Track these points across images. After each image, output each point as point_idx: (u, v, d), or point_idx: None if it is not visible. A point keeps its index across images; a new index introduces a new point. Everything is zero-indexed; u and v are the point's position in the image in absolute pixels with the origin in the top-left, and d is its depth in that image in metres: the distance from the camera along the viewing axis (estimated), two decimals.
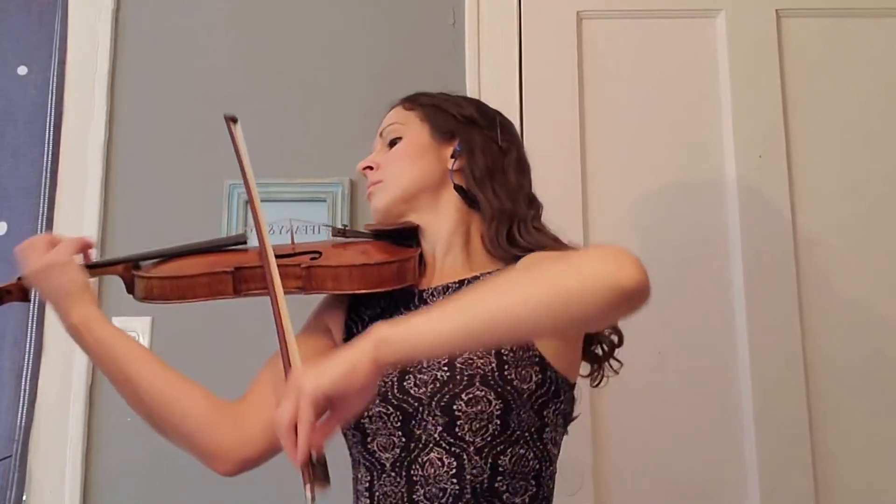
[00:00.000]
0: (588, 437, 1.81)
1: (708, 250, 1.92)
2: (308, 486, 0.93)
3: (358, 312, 1.30)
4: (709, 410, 1.86)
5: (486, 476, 1.10)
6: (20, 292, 1.25)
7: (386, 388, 1.15)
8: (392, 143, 1.33)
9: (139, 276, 1.24)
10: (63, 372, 1.87)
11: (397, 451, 1.14)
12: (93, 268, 1.27)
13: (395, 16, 2.02)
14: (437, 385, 1.12)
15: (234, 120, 1.36)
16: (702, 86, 1.99)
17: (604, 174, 1.95)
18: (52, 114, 1.97)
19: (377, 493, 1.15)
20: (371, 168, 1.33)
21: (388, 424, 1.14)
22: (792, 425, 1.83)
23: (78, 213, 1.93)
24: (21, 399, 1.85)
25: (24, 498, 1.82)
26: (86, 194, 1.93)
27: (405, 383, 1.15)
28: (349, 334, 1.29)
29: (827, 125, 1.97)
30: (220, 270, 1.21)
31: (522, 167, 1.34)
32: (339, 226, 1.47)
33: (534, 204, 1.31)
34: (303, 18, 2.03)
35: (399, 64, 1.99)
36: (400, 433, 1.14)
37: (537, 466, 1.14)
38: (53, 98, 1.98)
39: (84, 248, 1.27)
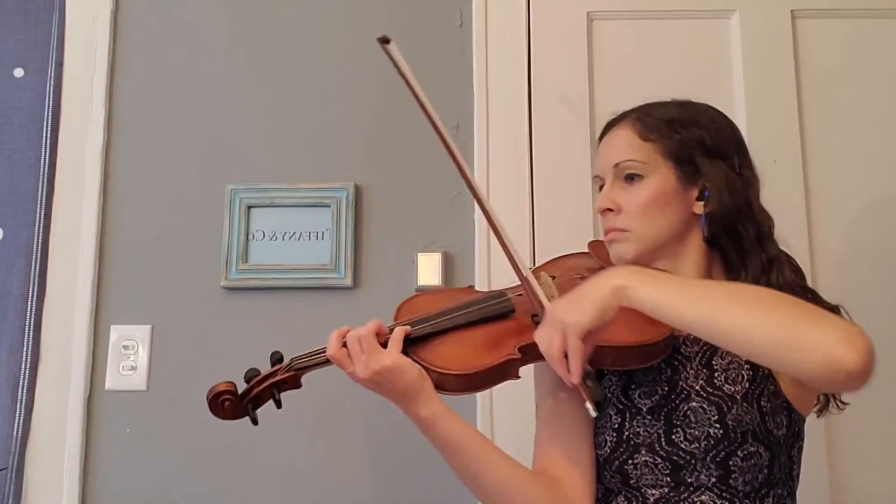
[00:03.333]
0: None
1: None
2: (588, 401, 1.11)
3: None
4: None
5: None
6: (295, 382, 1.27)
7: (652, 439, 1.21)
8: (630, 178, 1.29)
9: (431, 368, 1.20)
10: (61, 382, 1.85)
11: (665, 490, 1.20)
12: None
13: (402, 18, 1.99)
14: (712, 442, 1.18)
15: (386, 40, 1.22)
16: (715, 88, 1.95)
17: None
18: (49, 117, 1.95)
19: None
20: (612, 210, 1.29)
21: (656, 472, 1.21)
22: (807, 430, 1.80)
23: (75, 219, 1.90)
24: (18, 409, 1.83)
25: None
26: (84, 200, 1.91)
27: (673, 436, 1.20)
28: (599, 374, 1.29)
29: (843, 128, 1.95)
30: (508, 359, 1.21)
31: (758, 190, 1.33)
32: (587, 275, 1.34)
33: (773, 236, 1.32)
34: (306, 19, 2.00)
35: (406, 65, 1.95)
36: (668, 479, 1.20)
37: (790, 502, 1.24)
38: (50, 101, 1.96)
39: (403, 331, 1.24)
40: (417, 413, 1.19)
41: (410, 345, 1.22)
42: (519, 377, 1.23)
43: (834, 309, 1.26)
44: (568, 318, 1.09)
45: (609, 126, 1.36)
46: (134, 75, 1.98)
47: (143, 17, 2.01)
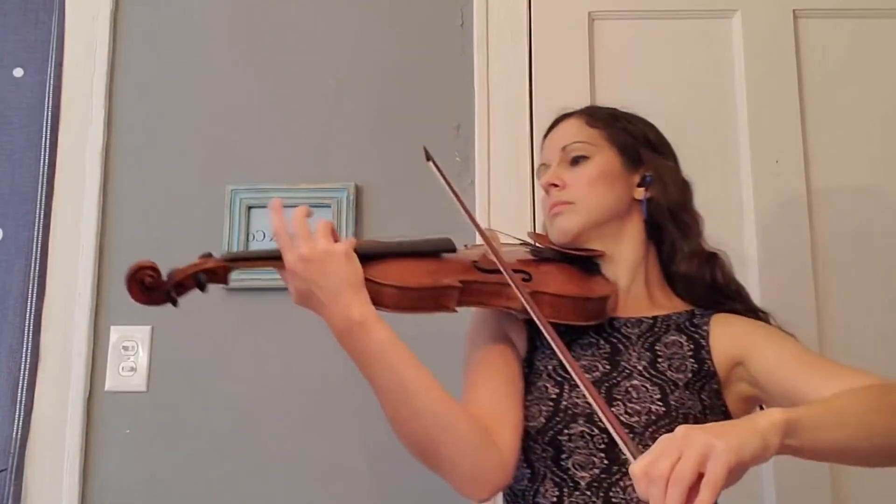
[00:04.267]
0: None
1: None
2: None
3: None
4: None
5: None
6: (224, 273, 1.17)
7: (591, 409, 1.17)
8: (576, 161, 1.32)
9: (370, 279, 1.15)
10: (60, 383, 1.84)
11: (596, 471, 1.15)
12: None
13: (402, 17, 1.98)
14: (653, 418, 1.16)
15: (428, 157, 1.30)
16: (717, 88, 1.96)
17: None
18: (49, 117, 1.94)
19: None
20: (556, 186, 1.31)
21: (591, 445, 1.16)
22: None
23: (75, 219, 1.90)
24: (17, 410, 1.83)
25: None
26: (84, 200, 1.91)
27: (613, 408, 1.17)
28: (532, 347, 1.30)
29: (845, 129, 1.94)
30: (448, 285, 1.19)
31: (692, 195, 1.38)
32: (523, 240, 1.42)
33: (702, 231, 1.36)
34: (307, 19, 2.00)
35: (406, 66, 1.96)
36: (602, 455, 1.16)
37: None
38: (50, 101, 1.95)
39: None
40: (349, 314, 1.10)
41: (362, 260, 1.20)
42: (455, 310, 1.20)
43: (763, 312, 1.32)
44: (719, 443, 0.85)
45: (557, 121, 1.40)
46: (134, 75, 1.98)
47: (143, 17, 2.00)
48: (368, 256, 1.19)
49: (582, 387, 1.00)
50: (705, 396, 1.20)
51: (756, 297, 1.83)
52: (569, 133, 1.35)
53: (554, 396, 1.22)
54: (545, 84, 1.94)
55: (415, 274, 1.20)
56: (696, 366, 1.22)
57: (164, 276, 1.15)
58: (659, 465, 0.84)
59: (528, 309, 1.11)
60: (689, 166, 1.89)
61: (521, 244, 1.42)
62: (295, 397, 1.83)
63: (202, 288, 1.16)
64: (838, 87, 1.95)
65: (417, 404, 1.11)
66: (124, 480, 1.82)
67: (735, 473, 0.86)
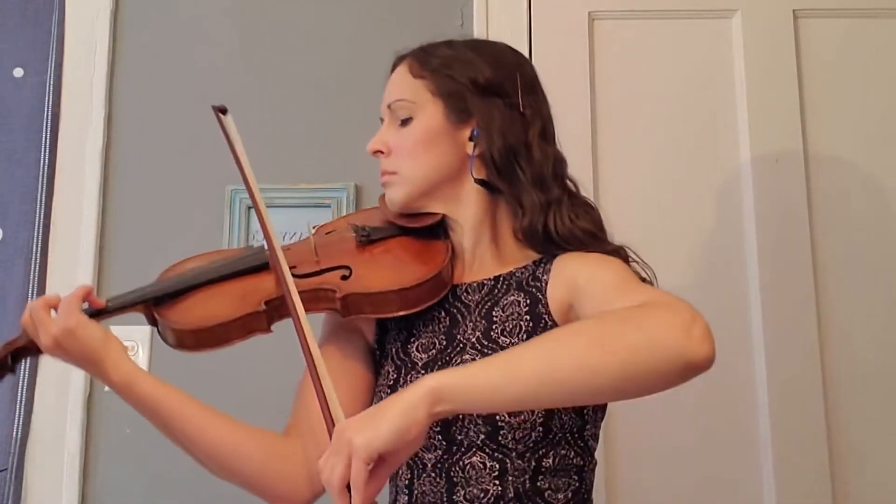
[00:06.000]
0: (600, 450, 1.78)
1: (723, 258, 1.90)
2: None
3: None
4: (724, 419, 1.84)
5: (528, 476, 1.10)
6: (36, 348, 1.17)
7: None
8: (404, 122, 1.22)
9: (170, 326, 1.16)
10: (60, 382, 1.84)
11: (439, 452, 1.13)
12: (105, 314, 1.19)
13: (402, 17, 1.98)
14: None
15: (223, 111, 1.26)
16: (717, 89, 1.96)
17: (615, 179, 1.92)
18: (49, 117, 1.94)
19: (416, 492, 1.15)
20: (382, 152, 1.23)
21: (429, 429, 1.11)
22: (809, 433, 1.82)
23: (75, 219, 1.90)
24: (17, 410, 1.83)
25: None
26: (84, 200, 1.91)
27: None
28: (383, 330, 1.25)
29: (845, 128, 1.94)
30: (252, 311, 1.15)
31: (547, 135, 1.23)
32: (359, 228, 1.29)
33: (561, 178, 1.21)
34: (306, 19, 2.00)
35: None
36: (440, 437, 1.12)
37: (580, 462, 1.14)
38: (50, 101, 1.95)
39: (85, 296, 1.16)
40: (109, 379, 1.14)
41: (156, 305, 1.18)
42: (270, 331, 1.16)
43: (620, 251, 1.19)
44: (356, 438, 0.87)
45: (394, 65, 1.29)
46: (134, 75, 1.98)
47: (143, 17, 2.00)
48: (167, 295, 1.19)
49: (308, 364, 1.01)
50: None
51: (756, 296, 1.86)
52: (395, 87, 1.24)
53: (391, 382, 1.18)
54: (545, 84, 1.87)
55: (215, 307, 1.16)
56: (530, 325, 1.14)
57: None
58: (324, 476, 0.89)
59: (295, 327, 1.07)
60: (690, 166, 1.93)
61: (371, 210, 1.35)
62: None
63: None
64: (838, 87, 1.95)
65: (200, 442, 1.17)
66: (124, 480, 1.82)
67: (383, 464, 0.89)
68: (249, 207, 1.89)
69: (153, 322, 1.20)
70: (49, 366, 1.85)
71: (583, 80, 1.94)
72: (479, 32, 1.94)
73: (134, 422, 1.84)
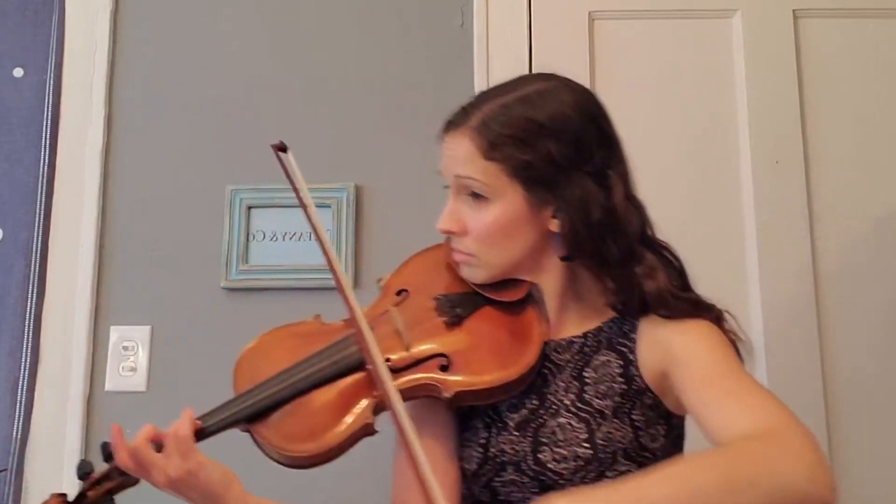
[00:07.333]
0: None
1: (723, 260, 1.90)
2: None
3: None
4: None
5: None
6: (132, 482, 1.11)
7: (518, 457, 1.13)
8: (476, 196, 1.15)
9: (277, 450, 1.11)
10: (60, 383, 1.84)
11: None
12: (203, 438, 1.13)
13: (403, 17, 1.98)
14: (581, 462, 1.09)
15: (283, 149, 1.20)
16: (717, 89, 1.96)
17: None
18: (49, 117, 1.94)
19: None
20: (454, 232, 1.17)
21: (524, 490, 1.12)
22: (808, 426, 1.80)
23: (75, 219, 1.90)
24: (17, 410, 1.83)
25: None
26: (83, 200, 1.91)
27: (540, 455, 1.11)
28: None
29: (845, 129, 1.94)
30: (363, 425, 1.09)
31: (629, 189, 1.18)
32: (443, 302, 1.20)
33: (649, 237, 1.19)
34: (306, 19, 2.00)
35: (406, 66, 1.97)
36: (538, 496, 1.09)
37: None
38: (50, 101, 1.95)
39: (191, 425, 1.12)
40: None
41: (250, 422, 1.12)
42: (377, 432, 1.11)
43: (715, 311, 1.17)
44: None
45: (449, 126, 1.19)
46: (134, 75, 1.98)
47: (143, 17, 2.00)
48: (264, 411, 1.12)
49: (408, 455, 0.98)
50: (637, 416, 1.12)
51: (755, 299, 1.86)
52: (463, 162, 1.15)
53: (483, 442, 1.17)
54: None
55: (322, 424, 1.10)
56: (624, 386, 1.13)
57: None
58: None
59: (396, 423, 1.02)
60: (690, 166, 1.93)
61: (431, 252, 1.28)
62: None
63: None
64: (838, 87, 1.95)
65: None
66: None
67: None
68: (249, 207, 1.89)
69: (248, 432, 1.15)
70: (49, 366, 1.85)
71: (583, 80, 1.85)
72: (479, 32, 1.94)
73: (134, 422, 1.84)
